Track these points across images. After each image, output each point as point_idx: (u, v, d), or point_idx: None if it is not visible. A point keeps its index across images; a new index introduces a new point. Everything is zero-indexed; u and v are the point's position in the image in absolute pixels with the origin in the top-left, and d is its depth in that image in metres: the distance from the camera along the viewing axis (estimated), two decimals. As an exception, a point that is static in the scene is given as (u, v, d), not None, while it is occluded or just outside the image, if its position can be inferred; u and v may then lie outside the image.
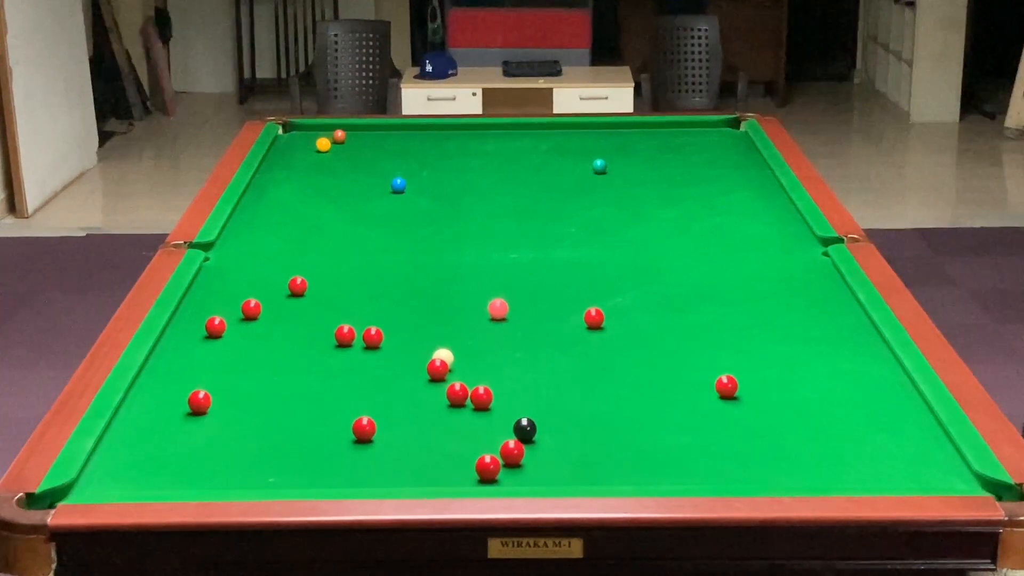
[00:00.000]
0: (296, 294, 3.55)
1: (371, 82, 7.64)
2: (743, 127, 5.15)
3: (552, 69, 8.00)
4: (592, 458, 2.70)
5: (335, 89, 7.55)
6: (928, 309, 3.35)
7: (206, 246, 3.85)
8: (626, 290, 3.59)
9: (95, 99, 8.57)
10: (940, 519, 2.42)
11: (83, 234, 7.14)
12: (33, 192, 7.49)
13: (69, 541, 2.39)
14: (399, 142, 5.09)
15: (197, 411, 2.84)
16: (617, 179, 4.60)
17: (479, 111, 7.64)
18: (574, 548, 2.41)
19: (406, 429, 2.82)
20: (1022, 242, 6.98)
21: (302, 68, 10.09)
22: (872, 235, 3.92)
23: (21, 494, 2.45)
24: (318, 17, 10.14)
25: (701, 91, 7.38)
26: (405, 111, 7.77)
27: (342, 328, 3.23)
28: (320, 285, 3.61)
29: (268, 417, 2.86)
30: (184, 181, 8.12)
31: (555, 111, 7.58)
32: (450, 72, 8.05)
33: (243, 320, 3.36)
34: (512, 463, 2.62)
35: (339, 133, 5.05)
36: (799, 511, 2.43)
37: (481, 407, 2.88)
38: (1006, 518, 2.40)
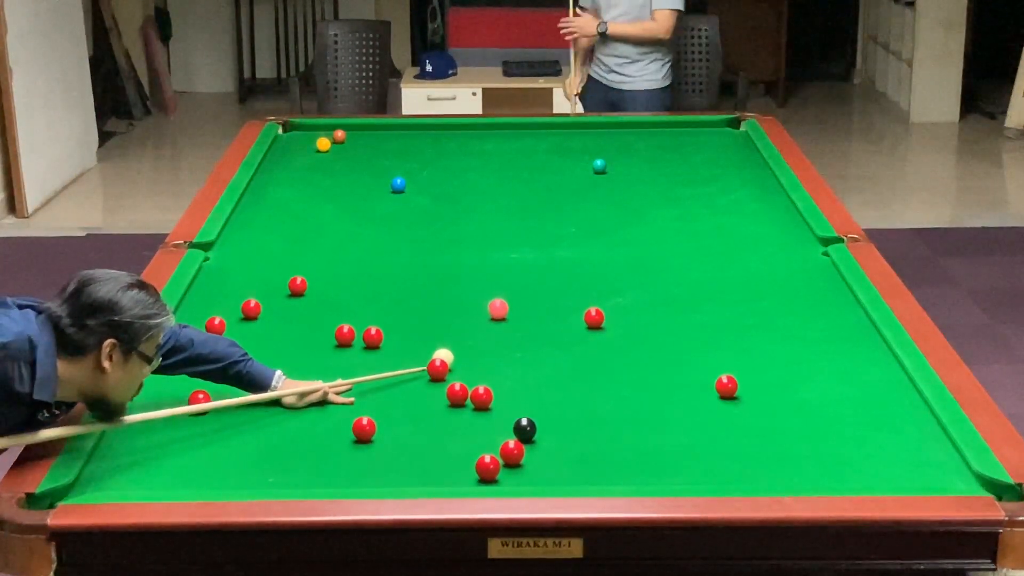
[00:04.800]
0: (296, 294, 3.55)
1: (371, 82, 7.63)
2: (743, 127, 5.15)
3: (552, 69, 7.99)
4: (592, 458, 2.70)
5: (335, 89, 7.54)
6: (928, 309, 3.35)
7: (206, 246, 3.85)
8: (626, 290, 3.59)
9: (95, 99, 8.56)
10: (940, 519, 2.42)
11: (83, 234, 7.13)
12: (33, 192, 7.48)
13: (69, 541, 2.39)
14: (399, 142, 5.09)
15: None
16: (617, 179, 4.60)
17: (479, 111, 7.64)
18: (574, 548, 2.41)
19: (406, 429, 2.82)
20: (1022, 242, 6.97)
21: (302, 68, 10.08)
22: (872, 235, 3.92)
23: (21, 494, 2.45)
24: (318, 17, 10.12)
25: (701, 91, 7.37)
26: (405, 111, 7.76)
27: (342, 328, 3.23)
28: (320, 285, 3.61)
29: (268, 417, 2.86)
30: (184, 181, 8.11)
31: (555, 111, 7.57)
32: (450, 72, 8.04)
33: (243, 320, 3.36)
34: (512, 463, 2.62)
35: (339, 133, 5.05)
36: (799, 511, 2.43)
37: (481, 407, 2.88)
38: (1006, 518, 2.40)
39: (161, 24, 10.06)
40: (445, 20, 9.44)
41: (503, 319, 3.38)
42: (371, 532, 2.43)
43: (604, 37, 5.88)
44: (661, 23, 5.85)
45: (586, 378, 3.07)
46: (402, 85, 7.97)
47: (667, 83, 6.02)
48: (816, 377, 3.05)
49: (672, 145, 5.04)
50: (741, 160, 4.80)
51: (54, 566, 2.38)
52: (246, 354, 2.90)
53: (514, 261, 3.87)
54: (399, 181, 4.47)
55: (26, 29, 7.42)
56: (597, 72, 6.05)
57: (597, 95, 6.07)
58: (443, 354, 3.07)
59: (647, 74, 5.94)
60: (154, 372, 2.71)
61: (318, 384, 2.91)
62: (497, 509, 2.45)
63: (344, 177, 4.69)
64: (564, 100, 7.10)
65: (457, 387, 2.91)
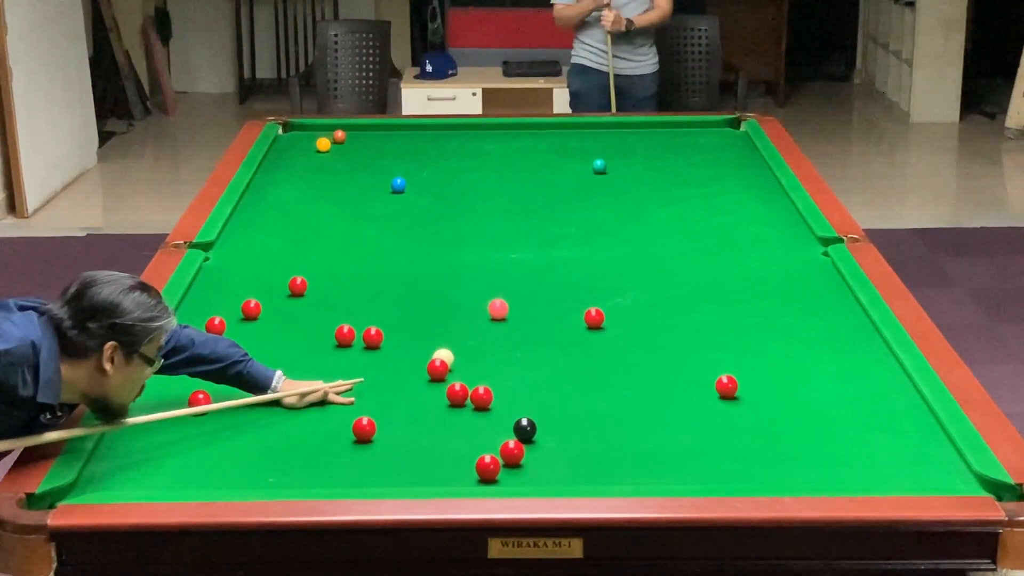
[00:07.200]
0: (296, 294, 3.55)
1: (371, 82, 7.63)
2: (743, 127, 5.15)
3: (552, 69, 8.00)
4: (592, 458, 2.70)
5: (335, 89, 7.55)
6: (928, 309, 3.35)
7: (206, 246, 3.85)
8: (626, 290, 3.59)
9: (95, 99, 8.55)
10: (940, 519, 2.42)
11: (83, 234, 7.13)
12: (33, 192, 7.48)
13: (69, 541, 2.39)
14: (399, 142, 5.09)
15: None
16: (617, 179, 4.60)
17: (479, 111, 7.64)
18: (574, 548, 2.41)
19: (406, 429, 2.82)
20: (1022, 242, 6.97)
21: (302, 68, 10.08)
22: (872, 235, 3.92)
23: (21, 494, 2.45)
24: (318, 17, 10.12)
25: (701, 91, 7.37)
26: (405, 111, 7.76)
27: (342, 328, 3.23)
28: (320, 285, 3.61)
29: (268, 417, 2.86)
30: (184, 181, 8.10)
31: (555, 111, 7.57)
32: (450, 72, 8.04)
33: (243, 320, 3.36)
34: (512, 463, 2.62)
35: (339, 133, 5.05)
36: (799, 511, 2.43)
37: (481, 407, 2.88)
38: (1006, 518, 2.40)
39: (161, 24, 10.06)
40: (445, 20, 9.44)
41: (503, 319, 3.38)
42: (371, 532, 2.43)
43: (627, 33, 6.29)
44: (666, 6, 6.42)
45: (586, 378, 3.07)
46: (402, 85, 7.97)
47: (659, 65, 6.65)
48: (816, 377, 3.05)
49: (672, 145, 5.03)
50: (741, 160, 4.80)
51: (54, 566, 2.38)
52: (246, 354, 2.90)
53: (514, 261, 3.87)
54: (399, 181, 4.47)
55: (26, 29, 7.42)
56: (602, 63, 6.32)
57: (602, 84, 6.34)
58: (443, 354, 3.07)
59: (650, 56, 6.50)
60: (154, 372, 2.71)
61: (318, 384, 2.91)
62: (497, 509, 2.45)
63: (344, 177, 4.69)
64: (564, 100, 7.14)
65: (457, 387, 2.91)
